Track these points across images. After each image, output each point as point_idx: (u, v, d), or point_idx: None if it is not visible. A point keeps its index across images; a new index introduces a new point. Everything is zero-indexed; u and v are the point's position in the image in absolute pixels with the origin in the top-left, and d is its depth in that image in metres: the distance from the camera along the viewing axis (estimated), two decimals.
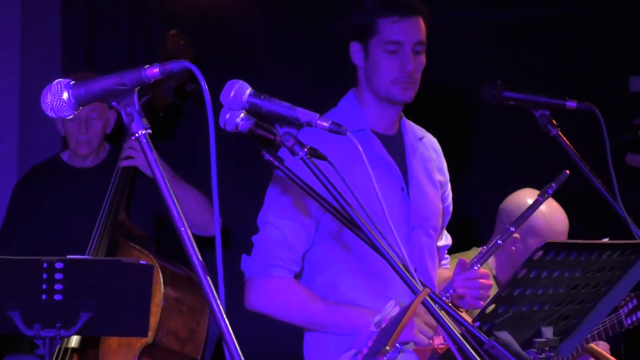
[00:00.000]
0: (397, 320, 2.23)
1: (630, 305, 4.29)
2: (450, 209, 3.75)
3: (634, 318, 4.33)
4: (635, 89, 4.86)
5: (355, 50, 3.54)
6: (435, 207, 3.59)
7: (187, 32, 4.99)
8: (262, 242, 3.42)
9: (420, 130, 3.68)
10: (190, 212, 4.64)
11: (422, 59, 3.51)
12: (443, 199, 3.67)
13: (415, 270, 3.28)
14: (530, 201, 4.09)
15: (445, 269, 3.75)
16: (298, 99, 2.69)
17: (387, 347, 2.13)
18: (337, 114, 3.54)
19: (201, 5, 5.33)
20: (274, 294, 3.40)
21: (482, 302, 3.35)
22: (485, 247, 3.52)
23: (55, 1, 5.40)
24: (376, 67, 3.48)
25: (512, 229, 3.49)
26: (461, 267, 3.41)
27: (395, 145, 3.54)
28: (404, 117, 3.62)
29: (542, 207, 4.13)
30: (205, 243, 3.88)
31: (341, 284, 3.40)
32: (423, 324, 3.24)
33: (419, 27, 3.48)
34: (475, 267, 3.40)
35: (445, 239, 3.76)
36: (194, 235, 4.85)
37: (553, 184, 3.46)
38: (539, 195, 3.51)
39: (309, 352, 3.52)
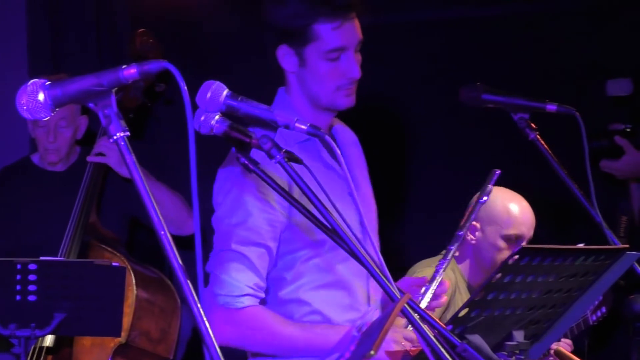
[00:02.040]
0: (379, 324, 2.24)
1: (595, 302, 4.32)
2: None
3: (599, 314, 4.36)
4: (613, 93, 4.88)
5: (285, 54, 3.20)
6: (374, 207, 3.44)
7: (155, 31, 4.97)
8: (227, 270, 3.12)
9: (340, 124, 3.42)
10: (166, 211, 4.64)
11: (360, 56, 3.22)
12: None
13: None
14: (498, 198, 4.14)
15: None
16: (269, 101, 2.68)
17: (372, 352, 2.13)
18: None
19: (169, 4, 5.30)
20: (248, 325, 3.14)
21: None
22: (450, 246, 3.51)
23: (19, 1, 5.36)
24: (317, 76, 3.17)
25: (461, 233, 3.48)
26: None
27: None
28: (336, 121, 3.40)
29: (503, 196, 4.18)
30: (180, 244, 3.87)
31: (304, 297, 3.22)
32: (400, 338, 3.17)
33: (357, 25, 3.18)
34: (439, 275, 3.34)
35: None
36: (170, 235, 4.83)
37: (490, 186, 3.47)
38: (478, 198, 3.52)
39: None
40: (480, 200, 3.52)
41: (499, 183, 4.21)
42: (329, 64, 3.16)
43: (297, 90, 3.25)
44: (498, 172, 3.49)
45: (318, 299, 3.22)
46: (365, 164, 3.49)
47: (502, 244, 4.18)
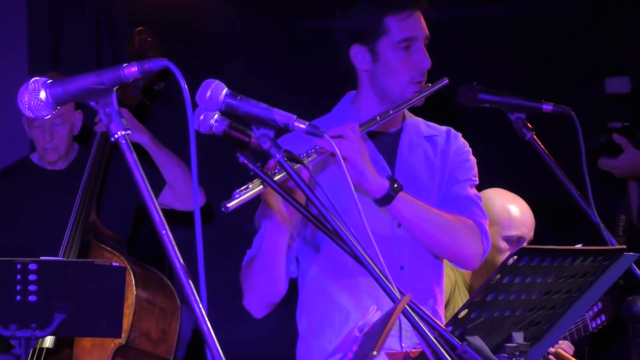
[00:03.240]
0: (381, 325, 2.24)
1: (595, 309, 4.32)
2: (458, 191, 3.48)
3: (599, 321, 4.36)
4: (611, 91, 4.87)
5: (358, 53, 3.37)
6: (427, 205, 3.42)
7: (154, 30, 4.99)
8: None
9: (432, 129, 3.53)
10: (176, 180, 4.72)
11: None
12: (444, 194, 3.48)
13: (402, 268, 3.33)
14: (498, 199, 4.13)
15: None
16: (268, 99, 2.68)
17: (375, 352, 2.14)
18: (329, 117, 3.45)
19: (168, 4, 5.32)
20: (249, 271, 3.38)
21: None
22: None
23: (20, 1, 5.37)
24: (391, 69, 3.34)
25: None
26: None
27: (391, 142, 3.44)
28: (411, 115, 3.52)
29: (503, 197, 4.18)
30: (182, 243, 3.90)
31: (328, 289, 3.39)
32: None
33: (423, 20, 3.38)
34: None
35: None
36: (180, 212, 4.86)
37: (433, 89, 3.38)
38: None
39: (301, 357, 3.49)
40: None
41: (501, 184, 4.23)
42: (400, 54, 3.33)
43: (368, 88, 3.41)
44: (446, 80, 3.43)
45: (339, 293, 3.35)
46: (445, 161, 3.49)
47: (503, 245, 4.18)
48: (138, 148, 4.76)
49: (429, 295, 3.42)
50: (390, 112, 3.33)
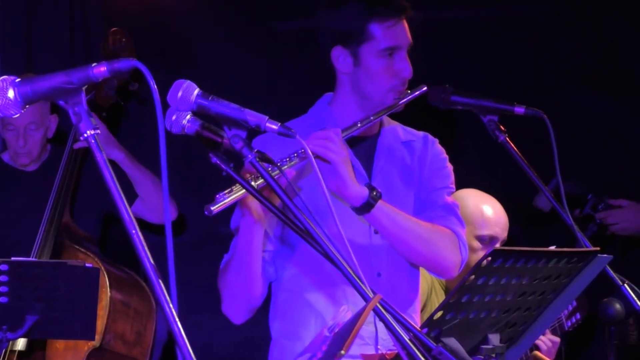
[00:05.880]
0: (351, 325, 2.24)
1: (569, 308, 4.32)
2: (437, 197, 3.48)
3: (573, 320, 4.37)
4: (539, 206, 4.84)
5: (339, 55, 3.34)
6: (403, 210, 3.40)
7: (128, 30, 4.99)
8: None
9: (409, 134, 3.52)
10: (150, 197, 4.69)
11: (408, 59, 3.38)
12: (421, 202, 3.48)
13: (379, 275, 3.32)
14: (472, 199, 4.13)
15: None
16: (242, 100, 2.67)
17: (342, 351, 2.14)
18: (305, 118, 3.44)
19: (142, 4, 5.31)
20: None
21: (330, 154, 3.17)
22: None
23: None
24: (371, 75, 3.32)
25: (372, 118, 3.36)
26: None
27: (368, 146, 3.43)
28: (389, 120, 3.50)
29: (477, 197, 4.18)
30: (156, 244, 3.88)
31: (304, 293, 3.36)
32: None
33: (407, 29, 3.35)
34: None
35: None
36: (154, 224, 4.85)
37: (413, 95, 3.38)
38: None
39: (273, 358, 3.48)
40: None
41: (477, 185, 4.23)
42: (382, 62, 3.31)
43: (348, 91, 3.39)
44: (425, 88, 3.41)
45: (315, 297, 3.34)
46: (422, 167, 3.49)
47: (476, 244, 4.18)
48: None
49: (406, 302, 3.41)
50: (372, 117, 3.32)
